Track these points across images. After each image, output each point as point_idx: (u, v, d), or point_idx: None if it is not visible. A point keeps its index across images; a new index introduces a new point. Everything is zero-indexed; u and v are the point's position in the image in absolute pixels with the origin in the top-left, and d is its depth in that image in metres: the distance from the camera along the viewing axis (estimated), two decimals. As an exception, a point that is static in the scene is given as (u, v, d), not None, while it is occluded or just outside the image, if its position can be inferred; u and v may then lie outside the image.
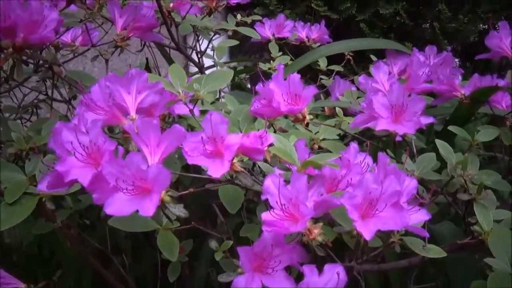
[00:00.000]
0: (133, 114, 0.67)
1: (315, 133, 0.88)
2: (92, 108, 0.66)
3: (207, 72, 1.32)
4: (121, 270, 0.96)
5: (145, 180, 0.55)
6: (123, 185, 0.55)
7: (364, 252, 0.66)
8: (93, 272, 1.00)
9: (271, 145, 0.66)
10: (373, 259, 0.69)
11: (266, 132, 0.65)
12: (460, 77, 1.17)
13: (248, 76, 1.58)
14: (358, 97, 1.08)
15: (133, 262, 1.04)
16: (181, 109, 0.76)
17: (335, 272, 0.57)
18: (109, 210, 0.54)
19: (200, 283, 0.95)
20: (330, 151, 0.83)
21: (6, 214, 0.71)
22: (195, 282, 0.95)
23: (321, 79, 1.41)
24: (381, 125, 0.81)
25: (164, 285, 0.88)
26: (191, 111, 0.72)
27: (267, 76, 1.01)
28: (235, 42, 1.30)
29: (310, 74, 1.52)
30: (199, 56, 1.32)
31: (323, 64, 1.43)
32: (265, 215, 0.59)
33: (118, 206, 0.54)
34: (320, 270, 0.58)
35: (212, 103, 0.92)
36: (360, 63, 1.76)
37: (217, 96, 1.21)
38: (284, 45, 1.48)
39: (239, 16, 1.39)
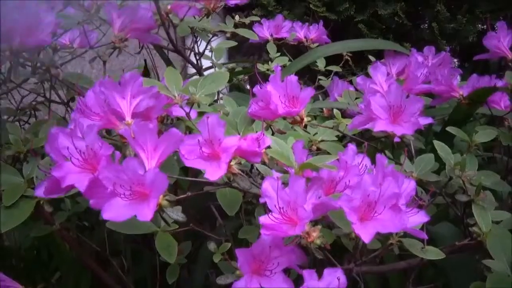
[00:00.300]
0: (128, 118, 0.67)
1: (314, 135, 0.88)
2: (87, 114, 0.66)
3: (205, 73, 1.32)
4: (120, 273, 0.95)
5: (143, 185, 0.55)
6: (120, 190, 0.55)
7: (363, 254, 0.66)
8: (92, 275, 0.99)
9: (268, 147, 0.66)
10: (372, 260, 0.69)
11: (264, 135, 0.65)
12: (458, 78, 1.17)
13: (246, 77, 1.57)
14: (356, 98, 1.08)
15: (132, 265, 1.04)
16: (179, 112, 0.76)
17: (335, 277, 0.57)
18: (106, 215, 0.54)
19: (199, 285, 0.95)
20: (329, 153, 0.83)
21: (4, 217, 0.71)
22: (193, 284, 0.95)
23: (319, 79, 1.41)
24: (379, 126, 0.81)
25: (163, 287, 0.88)
26: (187, 114, 0.72)
27: (266, 77, 1.00)
28: (233, 43, 1.29)
29: (308, 75, 1.52)
30: (197, 57, 1.31)
31: (321, 64, 1.43)
32: (264, 219, 0.59)
33: (115, 211, 0.54)
34: (319, 272, 0.58)
35: (211, 104, 0.92)
36: (358, 63, 1.76)
37: (216, 98, 1.20)
38: (283, 46, 1.48)
39: (237, 17, 1.39)
